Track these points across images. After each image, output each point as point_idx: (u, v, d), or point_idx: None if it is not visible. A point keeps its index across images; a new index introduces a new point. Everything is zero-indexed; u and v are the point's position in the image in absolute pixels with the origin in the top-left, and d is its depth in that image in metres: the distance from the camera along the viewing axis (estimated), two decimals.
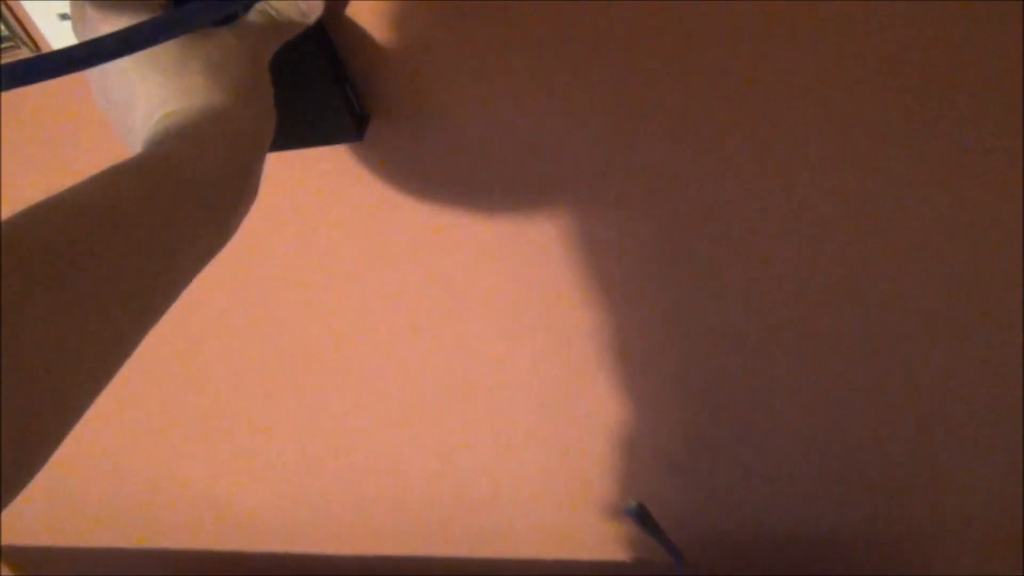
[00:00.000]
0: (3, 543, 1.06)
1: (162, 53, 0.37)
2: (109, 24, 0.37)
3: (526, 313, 0.61)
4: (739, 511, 0.73)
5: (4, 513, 0.27)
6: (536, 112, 0.48)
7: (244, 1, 0.27)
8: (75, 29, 0.39)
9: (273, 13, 0.41)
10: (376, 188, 0.55)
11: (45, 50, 0.48)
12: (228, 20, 0.41)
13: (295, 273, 0.62)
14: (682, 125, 0.47)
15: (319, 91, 0.47)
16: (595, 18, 0.43)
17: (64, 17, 0.46)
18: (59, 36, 0.46)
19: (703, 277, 0.55)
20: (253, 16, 0.41)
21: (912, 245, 0.50)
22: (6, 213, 0.28)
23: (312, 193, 0.56)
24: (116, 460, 0.86)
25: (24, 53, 0.48)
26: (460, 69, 0.47)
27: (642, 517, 0.70)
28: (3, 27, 0.47)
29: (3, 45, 0.48)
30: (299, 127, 0.49)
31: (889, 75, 0.43)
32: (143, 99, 0.37)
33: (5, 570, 1.12)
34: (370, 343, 0.66)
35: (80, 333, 0.30)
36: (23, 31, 0.47)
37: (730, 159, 0.48)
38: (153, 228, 0.34)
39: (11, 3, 0.46)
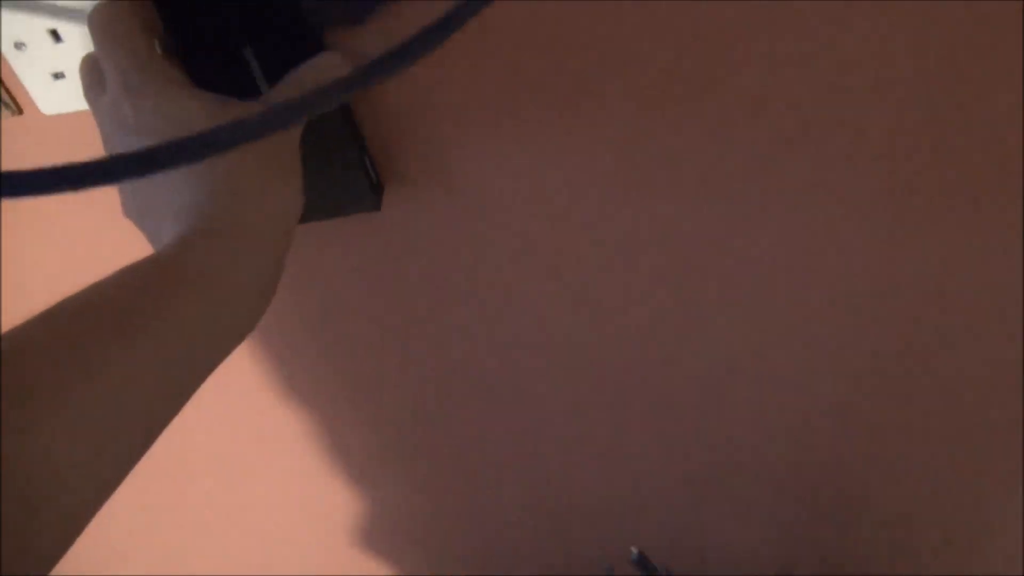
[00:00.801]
0: None
1: None
2: (158, 120, 0.33)
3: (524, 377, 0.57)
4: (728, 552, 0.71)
5: None
6: (555, 177, 0.46)
7: (343, 93, 0.22)
8: (102, 118, 0.35)
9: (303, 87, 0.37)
10: (393, 257, 0.51)
11: (31, 113, 0.43)
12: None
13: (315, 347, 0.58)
14: (703, 186, 0.45)
15: (338, 160, 0.44)
16: (613, 81, 0.41)
17: (58, 77, 0.40)
18: (49, 98, 0.41)
19: (712, 333, 0.53)
20: (286, 91, 0.37)
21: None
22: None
23: (330, 265, 0.52)
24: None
25: (5, 115, 0.42)
26: (478, 135, 0.44)
27: (644, 565, 0.70)
28: None
29: None
30: (317, 198, 0.45)
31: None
32: (179, 195, 0.33)
33: None
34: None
35: (85, 448, 0.26)
36: (5, 91, 0.42)
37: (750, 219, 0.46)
38: (169, 334, 0.29)
39: None
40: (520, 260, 0.51)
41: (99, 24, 0.34)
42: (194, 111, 0.33)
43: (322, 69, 0.37)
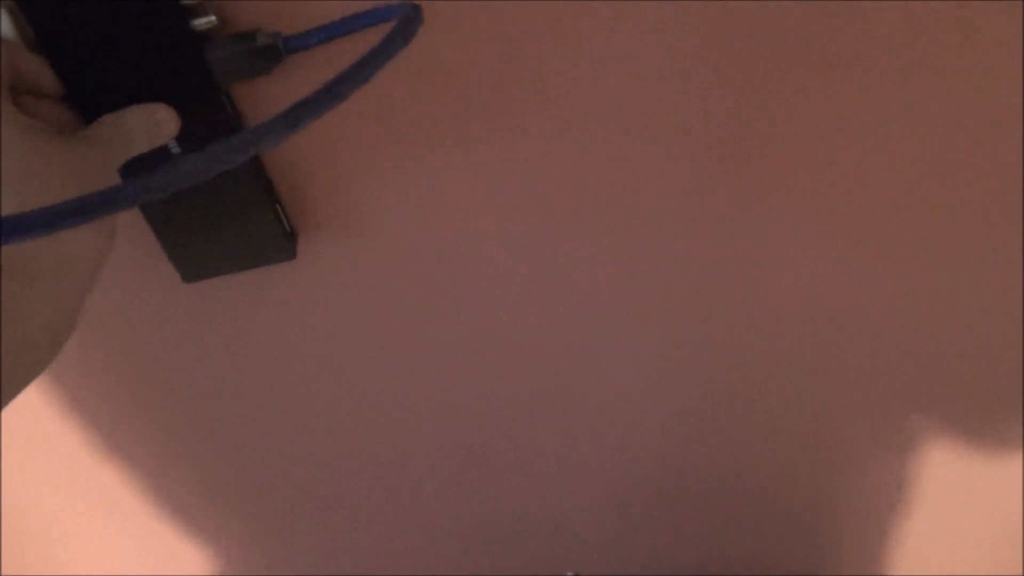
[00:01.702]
0: None
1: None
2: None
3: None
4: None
5: None
6: (471, 221, 0.47)
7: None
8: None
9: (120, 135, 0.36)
10: (312, 306, 0.51)
11: None
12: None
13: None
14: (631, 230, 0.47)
15: (250, 208, 0.43)
16: (533, 120, 0.43)
17: None
18: None
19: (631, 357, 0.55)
20: (103, 129, 0.35)
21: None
22: None
23: (245, 317, 0.51)
24: None
25: None
26: (389, 179, 0.45)
27: None
28: None
29: None
30: (229, 249, 0.45)
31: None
32: None
33: None
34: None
35: None
36: None
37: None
38: None
39: None
40: (435, 301, 0.51)
41: None
42: (28, 158, 0.31)
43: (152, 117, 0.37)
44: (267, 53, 0.38)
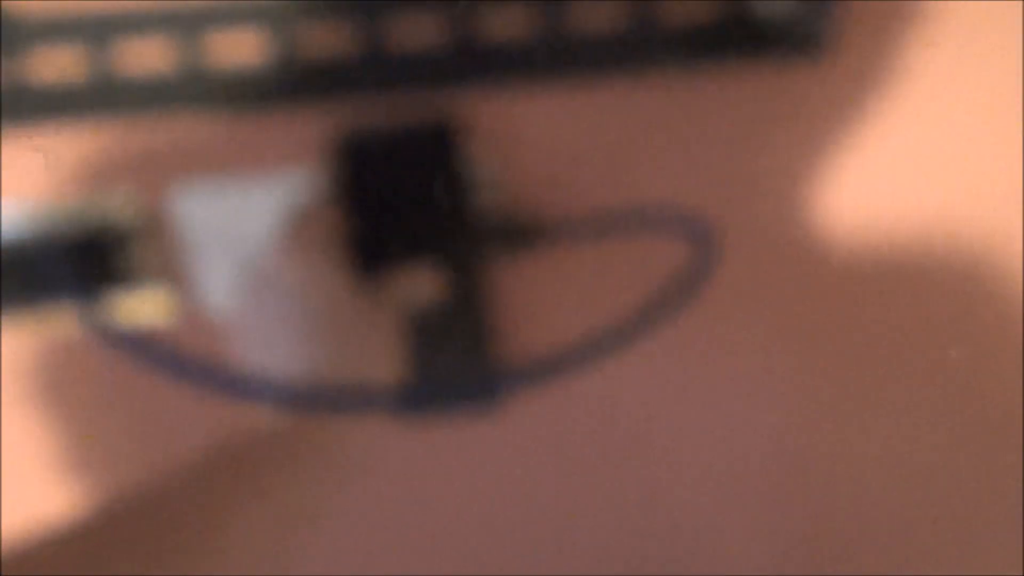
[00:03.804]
0: None
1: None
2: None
3: None
4: None
5: None
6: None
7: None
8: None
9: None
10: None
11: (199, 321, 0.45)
12: None
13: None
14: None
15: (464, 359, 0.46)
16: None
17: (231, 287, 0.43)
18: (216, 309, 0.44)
19: None
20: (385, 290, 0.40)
21: None
22: None
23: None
24: None
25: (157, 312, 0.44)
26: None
27: None
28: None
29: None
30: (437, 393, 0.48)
31: None
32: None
33: None
34: None
35: None
36: (171, 289, 0.44)
37: None
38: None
39: (171, 263, 0.43)
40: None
41: (298, 199, 0.39)
42: (343, 300, 0.36)
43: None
44: (530, 237, 0.42)
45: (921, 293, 0.48)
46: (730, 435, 0.53)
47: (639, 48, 0.38)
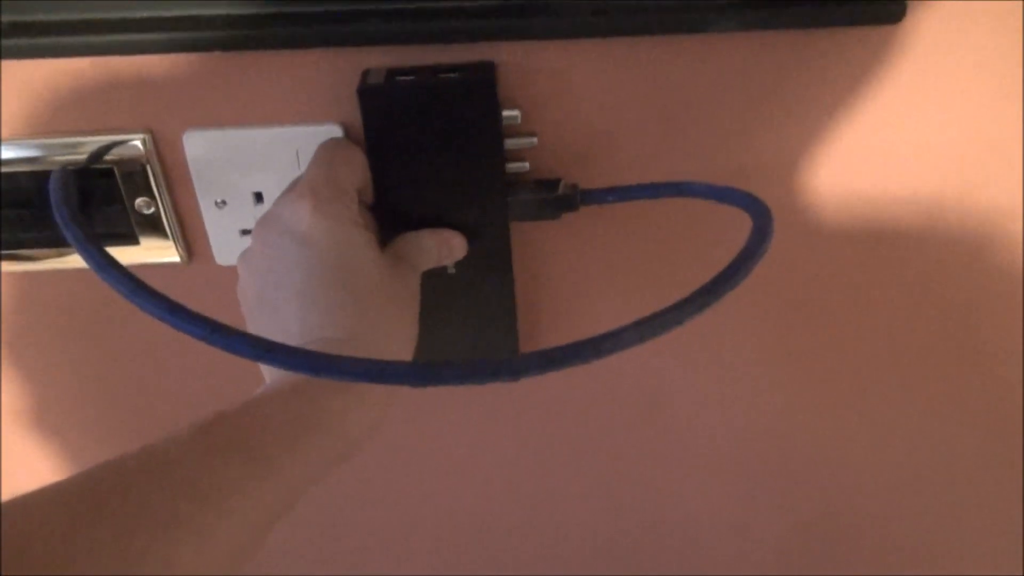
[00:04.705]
0: None
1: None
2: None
3: None
4: None
5: None
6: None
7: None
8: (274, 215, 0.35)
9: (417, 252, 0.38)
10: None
11: (201, 261, 0.43)
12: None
13: None
14: None
15: (493, 331, 0.44)
16: None
17: (245, 233, 0.41)
18: (230, 251, 0.41)
19: None
20: (406, 246, 0.38)
21: None
22: None
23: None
24: None
25: (167, 254, 0.42)
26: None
27: None
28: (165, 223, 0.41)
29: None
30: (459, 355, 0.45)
31: None
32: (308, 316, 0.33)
33: None
34: None
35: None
36: (181, 233, 0.42)
37: None
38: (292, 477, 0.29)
39: (183, 207, 0.41)
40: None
41: (329, 146, 0.37)
42: (363, 256, 0.34)
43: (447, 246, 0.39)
44: (563, 202, 0.39)
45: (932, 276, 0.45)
46: (736, 418, 0.51)
47: (700, 7, 0.34)
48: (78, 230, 0.31)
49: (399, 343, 0.35)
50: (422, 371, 0.26)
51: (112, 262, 0.30)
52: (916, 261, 0.44)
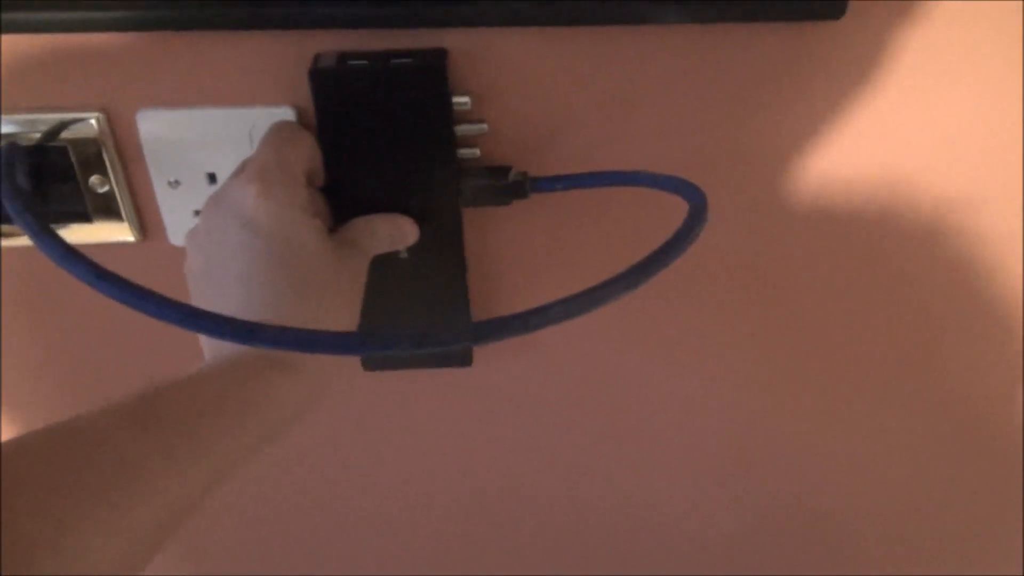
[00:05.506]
0: None
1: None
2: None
3: None
4: None
5: None
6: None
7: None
8: (218, 199, 0.35)
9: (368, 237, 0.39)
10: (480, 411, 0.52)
11: (155, 241, 0.43)
12: None
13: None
14: None
15: (447, 314, 0.45)
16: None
17: (198, 213, 0.41)
18: (183, 231, 0.42)
19: None
20: (356, 232, 0.38)
21: None
22: None
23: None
24: None
25: (120, 233, 0.43)
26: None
27: None
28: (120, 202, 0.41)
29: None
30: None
31: None
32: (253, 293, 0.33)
33: None
34: None
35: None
36: (135, 213, 0.42)
37: None
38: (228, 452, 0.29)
39: (136, 186, 0.41)
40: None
41: (279, 128, 0.37)
42: (307, 242, 0.34)
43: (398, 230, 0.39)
44: (514, 189, 0.40)
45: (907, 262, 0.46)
46: (708, 414, 0.52)
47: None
48: (15, 201, 0.31)
49: (339, 328, 0.35)
50: (348, 340, 0.26)
51: (47, 229, 0.30)
52: (871, 249, 0.45)
